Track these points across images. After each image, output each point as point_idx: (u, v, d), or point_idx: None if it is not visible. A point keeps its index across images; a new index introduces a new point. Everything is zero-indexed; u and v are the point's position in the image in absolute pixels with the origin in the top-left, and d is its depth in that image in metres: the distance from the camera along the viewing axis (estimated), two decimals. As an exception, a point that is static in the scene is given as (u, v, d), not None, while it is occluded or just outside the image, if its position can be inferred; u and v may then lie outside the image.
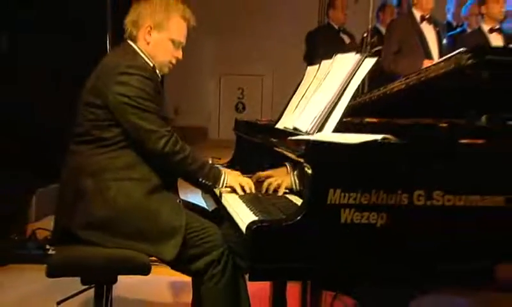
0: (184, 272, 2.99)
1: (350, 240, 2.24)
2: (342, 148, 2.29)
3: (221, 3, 9.36)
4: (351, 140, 2.30)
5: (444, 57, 2.86)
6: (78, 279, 3.07)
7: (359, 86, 2.78)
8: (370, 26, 6.32)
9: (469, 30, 6.47)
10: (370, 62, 2.73)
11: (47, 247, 4.88)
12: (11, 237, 5.07)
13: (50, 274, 2.79)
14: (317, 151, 2.27)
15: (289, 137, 2.71)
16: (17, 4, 7.08)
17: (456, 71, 2.64)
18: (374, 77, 5.71)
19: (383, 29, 7.06)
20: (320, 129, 2.66)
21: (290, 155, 2.66)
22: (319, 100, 2.86)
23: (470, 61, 2.64)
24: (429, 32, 5.96)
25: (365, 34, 6.58)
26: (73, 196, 2.91)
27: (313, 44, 7.75)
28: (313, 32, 8.23)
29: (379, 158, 2.35)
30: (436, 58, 5.85)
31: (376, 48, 6.48)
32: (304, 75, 3.42)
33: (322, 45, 7.05)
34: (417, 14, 5.97)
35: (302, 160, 2.41)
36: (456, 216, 2.33)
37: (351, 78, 2.68)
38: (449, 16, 7.44)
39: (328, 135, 2.55)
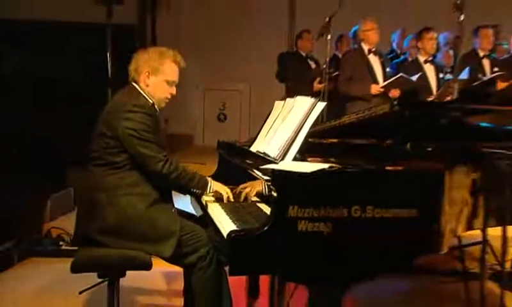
0: (177, 265, 3.20)
1: (305, 243, 2.48)
2: (298, 175, 2.57)
3: (205, 26, 9.22)
4: (304, 169, 2.59)
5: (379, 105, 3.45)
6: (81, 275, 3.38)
7: (318, 117, 3.00)
8: (327, 59, 6.39)
9: (410, 59, 6.67)
10: (321, 105, 2.99)
11: (60, 243, 5.07)
12: (30, 235, 5.13)
13: (75, 270, 3.06)
14: (280, 178, 2.53)
15: (260, 166, 2.97)
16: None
17: (389, 112, 3.00)
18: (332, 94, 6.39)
19: (340, 55, 7.26)
20: (284, 156, 2.88)
21: (261, 177, 2.92)
22: (283, 132, 3.11)
23: (397, 107, 3.02)
24: (375, 62, 6.16)
25: (324, 66, 6.60)
26: (90, 207, 3.13)
27: (283, 65, 7.85)
28: (284, 54, 8.32)
29: (325, 182, 2.59)
30: (381, 83, 6.14)
31: (334, 74, 6.63)
32: (273, 106, 3.61)
33: (291, 67, 7.26)
34: (365, 47, 6.20)
35: (270, 183, 2.69)
36: (384, 224, 2.58)
37: (307, 117, 2.93)
38: (394, 45, 7.58)
39: (288, 164, 2.80)
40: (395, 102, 3.45)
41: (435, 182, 2.74)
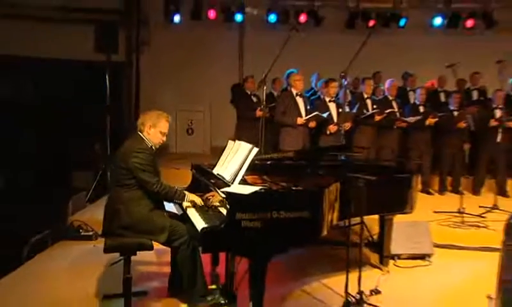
0: (168, 246, 3.62)
1: (245, 234, 3.03)
2: (241, 195, 3.13)
3: (177, 63, 9.04)
4: (245, 191, 3.19)
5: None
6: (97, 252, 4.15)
7: (256, 155, 3.49)
8: (265, 95, 6.26)
9: (321, 97, 6.71)
10: (255, 150, 3.51)
11: (80, 231, 5.21)
12: (59, 226, 5.24)
13: (106, 251, 3.45)
14: (231, 197, 3.10)
15: (220, 186, 3.45)
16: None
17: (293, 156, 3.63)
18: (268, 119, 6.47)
19: (275, 92, 7.49)
20: (233, 180, 3.41)
21: (220, 194, 3.36)
22: (233, 165, 3.60)
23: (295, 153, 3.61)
24: (300, 102, 6.41)
25: (263, 105, 6.38)
26: (113, 213, 3.54)
27: (235, 95, 8.06)
28: (236, 86, 8.51)
29: (257, 199, 3.12)
30: (303, 116, 6.41)
31: (271, 105, 6.81)
32: (227, 143, 4.01)
33: (240, 99, 7.40)
34: (294, 91, 6.43)
35: (225, 199, 3.21)
36: (291, 221, 3.13)
37: (248, 156, 3.47)
38: (313, 85, 7.63)
39: (236, 186, 3.35)
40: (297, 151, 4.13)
41: (319, 195, 3.30)
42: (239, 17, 9.13)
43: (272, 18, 9.13)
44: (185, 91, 9.27)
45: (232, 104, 8.15)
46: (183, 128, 9.40)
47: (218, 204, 3.53)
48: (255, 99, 7.08)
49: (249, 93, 7.13)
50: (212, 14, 9.04)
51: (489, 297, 2.76)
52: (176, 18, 9.02)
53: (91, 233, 5.11)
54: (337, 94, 6.67)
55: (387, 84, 7.16)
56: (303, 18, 9.10)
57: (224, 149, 4.01)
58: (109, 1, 8.53)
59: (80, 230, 5.14)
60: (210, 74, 9.26)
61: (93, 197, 6.42)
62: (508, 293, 2.66)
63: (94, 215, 5.53)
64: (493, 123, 6.80)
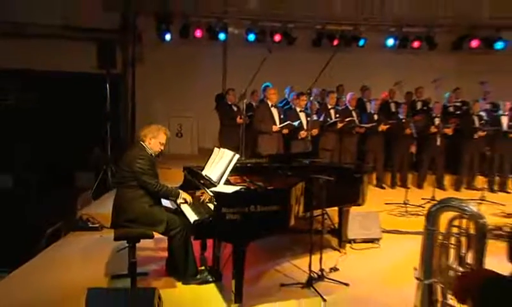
0: (165, 235, 3.75)
1: (229, 224, 3.21)
2: (225, 194, 3.30)
3: (168, 76, 8.97)
4: (229, 190, 3.38)
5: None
6: (108, 240, 4.21)
7: (237, 160, 3.64)
8: (244, 105, 6.35)
9: (294, 107, 6.75)
10: (237, 156, 3.69)
11: (88, 223, 5.19)
12: (70, 219, 5.25)
13: (116, 239, 3.60)
14: (218, 195, 3.27)
15: (208, 186, 3.58)
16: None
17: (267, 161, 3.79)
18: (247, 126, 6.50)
19: (253, 103, 7.44)
20: (219, 181, 3.58)
21: (209, 192, 3.49)
22: (219, 168, 3.75)
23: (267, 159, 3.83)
24: (275, 112, 6.50)
25: (243, 114, 6.48)
26: (119, 209, 3.67)
27: (218, 104, 7.89)
28: (220, 95, 8.39)
29: (238, 196, 3.29)
30: (278, 125, 6.47)
31: (250, 114, 6.87)
32: (213, 150, 4.16)
33: (222, 109, 7.34)
34: (269, 103, 6.48)
35: (213, 196, 3.35)
36: (265, 213, 3.30)
37: (231, 161, 3.64)
38: (286, 96, 7.55)
39: (221, 186, 3.52)
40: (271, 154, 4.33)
41: (287, 192, 3.49)
42: (222, 36, 9.15)
43: (251, 37, 9.15)
44: (175, 100, 9.21)
45: (216, 111, 8.00)
46: (173, 132, 9.22)
47: (207, 200, 3.64)
48: (235, 109, 7.11)
49: (230, 103, 7.16)
50: (198, 33, 9.04)
51: (415, 268, 2.97)
52: (167, 37, 8.99)
53: (97, 225, 5.14)
54: (306, 105, 6.75)
55: (348, 96, 7.28)
56: (277, 38, 9.16)
57: (211, 155, 4.12)
58: (108, 21, 8.32)
59: (89, 223, 5.17)
60: (197, 86, 9.20)
61: (95, 195, 6.30)
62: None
63: (99, 209, 5.56)
64: (433, 129, 7.02)
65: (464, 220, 2.78)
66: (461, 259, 2.79)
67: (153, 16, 8.88)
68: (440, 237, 2.90)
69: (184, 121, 9.40)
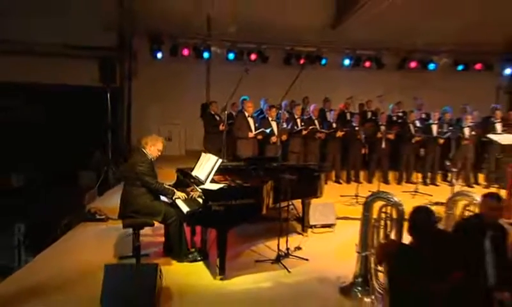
0: (163, 224, 3.90)
1: (214, 215, 3.43)
2: (211, 190, 3.48)
3: (159, 88, 8.99)
4: (214, 187, 3.55)
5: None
6: (113, 229, 4.45)
7: (220, 164, 3.81)
8: (226, 115, 6.45)
9: (267, 117, 6.80)
10: (220, 160, 3.85)
11: (95, 215, 5.21)
12: (80, 212, 5.28)
13: (125, 227, 3.75)
14: (205, 191, 3.48)
15: (198, 184, 3.74)
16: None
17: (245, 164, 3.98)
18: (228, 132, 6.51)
19: (233, 113, 7.42)
20: (206, 180, 3.76)
21: (198, 189, 3.69)
22: (206, 169, 3.92)
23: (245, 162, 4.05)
24: (251, 121, 6.64)
25: (224, 123, 6.53)
26: (126, 203, 3.80)
27: (203, 113, 8.11)
28: (204, 105, 8.49)
29: (221, 192, 3.49)
30: (253, 131, 6.57)
31: (230, 122, 6.88)
32: (200, 154, 4.28)
33: (207, 118, 7.41)
34: (246, 113, 6.61)
35: (201, 192, 3.56)
36: (243, 205, 3.52)
37: (215, 164, 3.83)
38: (261, 106, 7.54)
39: (208, 184, 3.71)
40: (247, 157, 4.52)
41: (260, 189, 3.69)
42: (206, 55, 9.13)
43: (231, 56, 9.15)
44: (166, 109, 9.16)
45: (201, 119, 8.11)
46: (164, 136, 8.52)
47: (196, 195, 3.81)
48: (218, 118, 7.18)
49: (213, 113, 7.25)
50: (185, 52, 9.01)
51: (356, 245, 3.37)
52: (159, 55, 8.95)
53: (103, 217, 5.16)
54: (277, 115, 6.79)
55: (311, 107, 7.37)
56: (253, 57, 9.19)
57: (199, 159, 4.27)
58: (106, 41, 8.23)
59: (96, 215, 5.21)
60: (184, 97, 9.16)
61: (99, 192, 6.30)
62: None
63: (103, 204, 5.61)
64: (379, 135, 7.22)
65: (389, 208, 3.18)
66: (387, 236, 3.23)
67: (146, 37, 8.81)
68: (373, 221, 3.29)
69: (173, 127, 9.33)
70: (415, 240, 2.22)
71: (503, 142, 5.75)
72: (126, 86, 8.78)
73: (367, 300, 3.19)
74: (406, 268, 2.08)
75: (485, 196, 2.90)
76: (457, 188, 5.06)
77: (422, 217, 2.26)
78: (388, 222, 3.21)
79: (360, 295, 3.30)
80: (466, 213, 3.51)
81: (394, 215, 3.13)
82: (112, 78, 7.39)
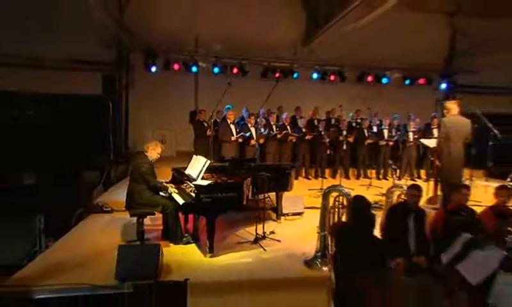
0: (162, 213, 4.09)
1: (204, 205, 3.66)
2: (201, 185, 3.72)
3: (154, 97, 8.95)
4: (204, 183, 3.79)
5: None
6: (119, 219, 4.49)
7: (209, 164, 4.00)
8: (212, 122, 6.76)
9: (247, 123, 6.99)
10: (208, 161, 4.07)
11: (103, 207, 5.30)
12: (89, 205, 5.34)
13: (132, 216, 3.93)
14: (197, 187, 3.72)
15: (191, 181, 3.96)
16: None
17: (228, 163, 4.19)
18: (215, 137, 6.70)
19: (218, 120, 7.43)
20: (198, 177, 4.00)
21: (191, 185, 3.93)
22: (197, 168, 4.15)
23: (228, 162, 4.26)
24: (233, 127, 6.87)
25: (211, 128, 6.71)
26: (132, 196, 4.01)
27: (192, 119, 8.31)
28: (193, 112, 8.68)
29: (210, 187, 3.72)
30: (235, 135, 6.71)
31: (216, 128, 7.07)
32: (192, 156, 4.48)
33: (195, 124, 7.57)
34: (229, 120, 6.85)
35: (194, 187, 3.79)
36: (227, 197, 3.71)
37: (205, 164, 4.08)
38: (243, 114, 7.58)
39: (199, 181, 3.94)
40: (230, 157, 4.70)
41: (241, 184, 3.91)
42: (194, 69, 9.11)
43: (216, 70, 9.15)
44: (159, 116, 9.14)
45: (190, 124, 8.30)
46: (158, 139, 7.97)
47: (189, 190, 4.05)
48: (206, 124, 7.37)
49: (202, 120, 7.44)
50: (176, 66, 9.01)
51: (317, 227, 3.72)
52: (153, 69, 8.92)
53: (109, 209, 5.28)
54: (256, 122, 7.12)
55: (284, 115, 7.59)
56: (235, 70, 9.20)
57: (190, 160, 4.50)
58: (107, 56, 8.30)
59: (103, 207, 5.31)
60: (175, 106, 9.15)
61: (104, 188, 6.39)
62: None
63: (108, 198, 5.68)
64: (341, 138, 7.51)
65: (341, 197, 3.62)
66: (339, 219, 3.72)
67: (142, 53, 8.83)
68: (329, 207, 3.70)
69: (166, 131, 9.32)
70: (352, 220, 2.70)
71: (430, 146, 6.10)
72: (124, 95, 8.75)
73: (325, 268, 3.55)
74: (344, 239, 2.54)
75: (409, 187, 3.46)
76: (402, 182, 5.57)
77: (359, 204, 2.74)
78: (340, 208, 3.63)
79: (319, 266, 3.66)
80: (399, 200, 3.96)
81: (345, 203, 3.55)
82: (113, 90, 7.65)
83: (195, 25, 8.65)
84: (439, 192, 4.97)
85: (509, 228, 3.21)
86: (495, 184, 5.81)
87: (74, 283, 3.01)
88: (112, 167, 6.91)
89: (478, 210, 3.64)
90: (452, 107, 4.69)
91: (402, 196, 3.84)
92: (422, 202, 4.56)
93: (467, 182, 5.90)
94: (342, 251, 2.48)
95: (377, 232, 3.12)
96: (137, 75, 9.00)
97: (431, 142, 5.99)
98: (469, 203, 3.80)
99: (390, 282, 1.53)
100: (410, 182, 6.06)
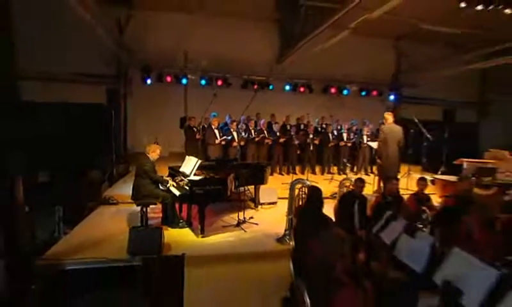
0: (161, 203, 4.33)
1: (197, 196, 3.98)
2: (194, 181, 4.01)
3: (149, 106, 9.03)
4: (196, 178, 4.11)
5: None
6: (124, 210, 4.67)
7: (200, 162, 4.27)
8: (201, 128, 6.92)
9: (229, 128, 7.06)
10: (199, 161, 4.35)
11: (109, 200, 5.42)
12: (98, 198, 5.43)
13: (138, 205, 4.12)
14: (190, 181, 4.02)
15: (185, 176, 4.23)
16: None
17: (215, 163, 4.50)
18: (203, 140, 6.85)
19: (205, 125, 7.36)
20: (190, 174, 4.29)
21: (185, 180, 4.19)
22: (189, 166, 4.44)
23: (215, 162, 4.60)
24: (217, 132, 7.01)
25: (199, 133, 6.88)
26: (138, 189, 4.22)
27: (182, 124, 8.37)
28: (182, 119, 8.71)
29: (201, 181, 3.97)
30: (219, 139, 6.82)
31: (203, 133, 7.18)
32: (185, 158, 4.74)
33: (186, 130, 7.63)
34: (213, 126, 6.88)
35: (188, 181, 4.09)
36: (213, 191, 3.98)
37: (196, 163, 4.38)
38: (227, 121, 7.59)
39: (192, 177, 4.23)
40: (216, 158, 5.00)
41: (225, 179, 4.17)
42: (184, 81, 9.17)
43: (203, 82, 9.28)
44: (153, 122, 9.12)
45: (181, 129, 8.32)
46: (152, 142, 7.79)
47: (184, 184, 4.37)
48: (195, 129, 7.53)
49: (191, 126, 7.57)
50: (168, 79, 9.10)
51: (286, 212, 4.17)
52: (148, 81, 9.02)
53: (115, 201, 5.45)
54: (238, 127, 7.32)
55: (261, 121, 7.79)
56: (219, 82, 9.35)
57: (184, 160, 4.80)
58: (108, 71, 8.40)
59: (110, 200, 5.47)
60: (168, 113, 9.18)
61: (109, 184, 6.46)
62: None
63: (114, 192, 5.81)
64: (309, 140, 7.62)
65: (304, 188, 4.10)
66: (301, 204, 4.23)
67: (138, 68, 8.92)
68: (295, 196, 4.15)
69: (160, 134, 8.80)
70: (308, 205, 3.23)
71: (374, 147, 6.59)
72: (123, 104, 8.82)
73: (292, 243, 3.94)
74: (300, 216, 3.07)
75: (355, 180, 4.04)
76: (352, 175, 6.09)
77: (312, 191, 3.29)
78: (303, 196, 4.10)
79: (287, 241, 4.12)
80: (348, 190, 4.56)
81: (306, 192, 4.07)
82: (115, 99, 7.78)
83: (185, 44, 8.84)
84: (382, 184, 5.52)
85: (424, 208, 3.84)
86: (428, 177, 6.53)
87: (95, 257, 3.39)
88: (114, 166, 7.03)
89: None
90: (388, 117, 5.30)
91: (351, 187, 4.37)
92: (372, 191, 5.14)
93: (406, 175, 6.72)
94: (299, 224, 3.01)
95: (331, 214, 3.66)
96: (134, 87, 9.07)
97: (375, 145, 6.42)
98: (406, 191, 4.34)
99: (328, 238, 2.00)
100: (365, 176, 6.80)
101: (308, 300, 1.90)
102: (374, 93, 10.42)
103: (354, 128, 8.49)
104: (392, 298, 1.89)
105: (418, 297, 2.00)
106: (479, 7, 4.31)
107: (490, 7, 4.26)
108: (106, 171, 6.93)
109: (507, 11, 4.33)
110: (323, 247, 1.91)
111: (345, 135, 8.27)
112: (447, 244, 2.34)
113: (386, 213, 3.06)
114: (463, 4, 4.33)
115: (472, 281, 1.79)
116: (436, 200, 4.53)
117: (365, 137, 8.24)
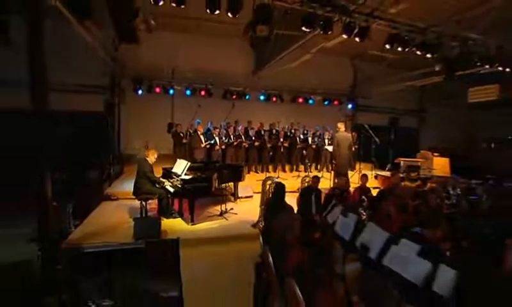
0: (158, 198, 4.65)
1: (187, 191, 4.40)
2: (185, 179, 4.39)
3: (141, 112, 9.04)
4: (186, 177, 4.52)
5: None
6: (124, 205, 4.92)
7: (187, 164, 4.64)
8: (188, 133, 7.08)
9: (212, 134, 7.15)
10: (189, 163, 4.76)
11: (110, 196, 5.57)
12: (101, 195, 5.56)
13: (139, 200, 4.45)
14: (182, 179, 4.42)
15: (179, 177, 4.58)
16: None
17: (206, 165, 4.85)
18: (190, 144, 7.07)
19: (191, 131, 7.57)
20: (182, 174, 4.68)
21: (178, 179, 4.55)
22: (180, 168, 4.81)
23: (203, 163, 5.09)
24: (202, 136, 7.22)
25: (186, 138, 7.14)
26: (138, 187, 4.53)
27: (170, 130, 8.44)
28: (169, 124, 8.77)
29: (191, 179, 4.34)
30: (203, 143, 7.06)
31: (190, 137, 7.40)
32: (176, 160, 5.09)
33: (173, 135, 7.75)
34: (198, 132, 7.07)
35: (180, 181, 4.47)
36: (202, 187, 4.41)
37: (186, 165, 4.80)
38: (209, 127, 7.67)
39: (183, 176, 4.61)
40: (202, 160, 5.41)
41: (211, 178, 4.60)
42: (171, 91, 9.29)
43: (188, 92, 9.41)
44: (144, 127, 9.17)
45: (168, 133, 8.41)
46: (143, 145, 8.60)
47: (176, 182, 4.72)
48: (182, 134, 7.78)
49: (179, 132, 7.79)
50: (157, 89, 9.21)
51: (259, 203, 4.77)
52: (139, 91, 9.10)
53: (115, 198, 5.66)
54: (219, 132, 7.57)
55: (240, 127, 8.12)
56: (203, 93, 9.45)
57: (175, 162, 5.13)
58: (104, 82, 8.27)
59: (111, 196, 5.65)
60: (156, 119, 9.25)
61: (109, 183, 6.53)
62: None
63: (114, 190, 6.03)
64: (279, 144, 8.20)
65: (273, 184, 4.62)
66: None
67: (131, 79, 9.05)
68: (266, 190, 4.75)
69: (150, 139, 8.80)
70: (273, 198, 3.87)
71: (330, 150, 7.19)
72: (116, 111, 8.84)
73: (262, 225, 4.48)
74: (268, 205, 3.75)
75: (312, 177, 4.75)
76: (312, 173, 6.78)
77: (277, 186, 3.97)
78: (272, 191, 4.69)
79: (260, 226, 4.64)
80: (307, 184, 5.18)
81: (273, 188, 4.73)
82: (111, 108, 7.91)
83: (172, 60, 9.07)
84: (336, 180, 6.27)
85: (364, 198, 4.66)
86: (373, 173, 7.47)
87: (106, 242, 3.84)
88: (112, 167, 7.21)
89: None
90: (341, 126, 6.09)
91: (310, 182, 5.02)
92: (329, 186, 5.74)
93: (357, 172, 7.52)
94: (267, 211, 3.70)
95: (294, 204, 4.23)
96: (127, 96, 9.13)
97: (331, 148, 7.11)
98: (356, 185, 4.97)
99: (285, 218, 2.68)
100: (327, 174, 7.40)
101: (271, 260, 2.54)
102: (335, 102, 10.94)
103: (318, 133, 9.01)
104: (322, 257, 2.56)
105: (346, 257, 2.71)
106: (399, 49, 5.29)
107: (406, 49, 5.27)
108: (103, 171, 7.12)
109: (418, 52, 5.41)
110: (281, 224, 2.61)
111: (310, 139, 8.75)
112: (373, 222, 3.05)
113: (333, 202, 3.82)
114: (387, 46, 5.23)
115: (375, 242, 2.61)
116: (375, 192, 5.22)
117: (326, 141, 8.83)
